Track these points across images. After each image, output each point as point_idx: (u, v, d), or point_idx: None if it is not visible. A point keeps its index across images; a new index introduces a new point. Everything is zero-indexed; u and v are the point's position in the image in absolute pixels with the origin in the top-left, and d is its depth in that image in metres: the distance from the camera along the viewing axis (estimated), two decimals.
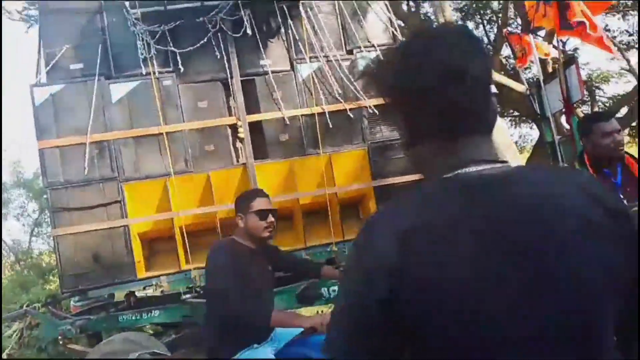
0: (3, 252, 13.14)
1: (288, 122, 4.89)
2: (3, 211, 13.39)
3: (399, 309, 0.81)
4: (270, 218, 2.82)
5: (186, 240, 4.67)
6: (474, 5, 13.21)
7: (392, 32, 5.25)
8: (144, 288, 4.99)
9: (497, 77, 8.77)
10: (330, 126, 4.96)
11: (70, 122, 4.56)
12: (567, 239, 0.82)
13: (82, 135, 4.55)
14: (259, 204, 2.82)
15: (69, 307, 5.52)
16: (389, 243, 0.82)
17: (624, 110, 10.51)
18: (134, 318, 4.81)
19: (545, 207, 0.84)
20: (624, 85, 14.78)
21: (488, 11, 13.51)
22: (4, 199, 13.53)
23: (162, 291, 4.86)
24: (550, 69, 7.28)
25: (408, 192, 0.93)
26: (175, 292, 4.82)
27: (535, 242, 0.82)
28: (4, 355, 5.19)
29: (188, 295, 4.76)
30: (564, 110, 4.33)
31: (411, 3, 12.05)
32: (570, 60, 4.14)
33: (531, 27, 4.75)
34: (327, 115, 4.96)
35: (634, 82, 12.51)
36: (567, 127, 4.82)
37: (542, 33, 6.07)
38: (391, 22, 5.24)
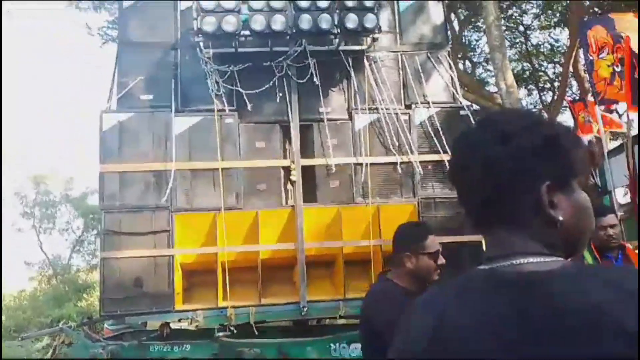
0: (43, 265, 13.50)
1: (338, 170, 4.91)
2: (49, 225, 13.88)
3: None
4: (442, 259, 2.43)
5: (227, 277, 4.66)
6: (529, 72, 13.22)
7: (453, 93, 5.27)
8: (179, 320, 4.97)
9: None
10: (382, 177, 4.94)
11: (132, 150, 4.74)
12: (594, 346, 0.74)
13: (142, 163, 4.71)
14: (432, 243, 2.39)
15: (102, 330, 5.55)
16: (424, 332, 0.86)
17: None
18: (165, 349, 4.77)
19: (581, 320, 0.76)
20: None
21: (543, 79, 13.48)
22: (51, 214, 14.04)
23: (196, 326, 4.82)
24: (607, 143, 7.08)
25: (454, 279, 0.94)
26: (209, 328, 4.77)
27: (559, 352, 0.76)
28: None
29: (221, 333, 4.70)
30: (627, 185, 4.16)
31: (467, 63, 12.17)
32: None
33: (600, 98, 4.66)
34: (378, 167, 4.95)
35: None
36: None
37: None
38: (452, 81, 5.27)
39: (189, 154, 4.81)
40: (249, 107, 4.90)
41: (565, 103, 10.88)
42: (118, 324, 5.06)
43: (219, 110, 4.86)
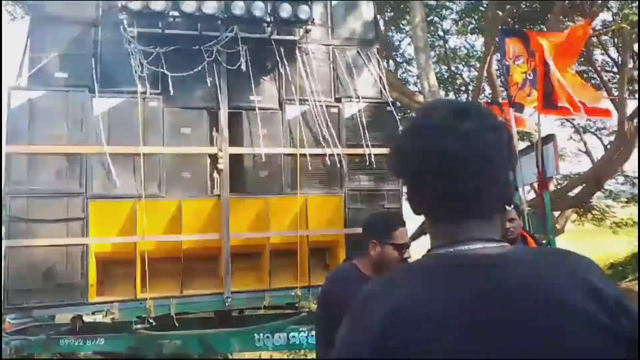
0: None
1: (267, 160, 4.88)
2: None
3: None
4: (408, 253, 2.41)
5: (146, 267, 4.47)
6: (447, 74, 13.93)
7: (380, 89, 5.43)
8: (93, 313, 4.69)
9: None
10: (310, 169, 4.98)
11: (44, 130, 4.38)
12: (556, 331, 0.79)
13: (55, 145, 4.37)
14: (401, 235, 2.36)
15: (3, 324, 5.11)
16: (378, 322, 0.83)
17: (576, 190, 11.15)
18: (76, 344, 4.51)
19: (536, 295, 0.81)
20: (578, 165, 15.76)
21: (458, 81, 14.27)
22: None
23: (112, 318, 4.58)
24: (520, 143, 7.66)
25: (403, 268, 0.98)
26: (126, 321, 4.56)
27: (522, 335, 0.79)
28: None
29: (139, 326, 4.52)
30: (536, 183, 4.53)
31: (391, 63, 12.57)
32: (549, 137, 4.39)
33: (512, 101, 5.03)
34: (308, 158, 4.99)
35: (588, 164, 13.36)
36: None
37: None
38: (380, 77, 5.43)
39: (107, 137, 4.53)
40: (175, 91, 4.71)
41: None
42: (22, 318, 4.67)
43: (142, 93, 4.63)
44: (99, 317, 4.83)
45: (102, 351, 4.78)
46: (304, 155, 4.97)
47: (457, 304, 0.82)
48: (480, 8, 11.28)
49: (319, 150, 5.02)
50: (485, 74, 10.33)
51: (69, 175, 4.38)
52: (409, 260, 2.34)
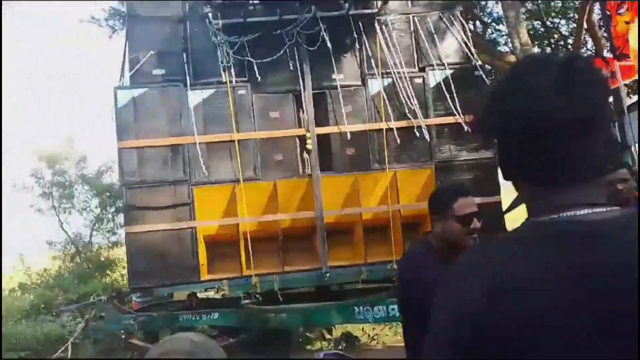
0: (65, 244, 13.77)
1: (354, 137, 4.90)
2: (67, 205, 14.05)
3: None
4: (476, 223, 2.25)
5: (249, 246, 4.75)
6: (542, 30, 12.87)
7: (466, 53, 5.19)
8: (205, 290, 5.10)
9: None
10: (398, 142, 4.93)
11: (148, 125, 4.77)
12: None
13: (159, 138, 4.75)
14: (461, 207, 2.21)
15: (130, 303, 5.71)
16: (473, 299, 0.80)
17: None
18: (193, 319, 4.92)
19: None
20: None
21: (555, 36, 13.13)
22: (69, 194, 14.20)
23: (222, 295, 4.95)
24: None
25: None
26: (235, 297, 4.90)
27: (631, 312, 0.73)
28: (70, 341, 5.43)
29: (247, 301, 4.83)
30: None
31: (478, 24, 11.89)
32: None
33: (617, 54, 4.56)
34: (395, 132, 4.94)
35: None
36: None
37: None
38: (466, 43, 5.18)
39: (204, 126, 4.83)
40: (261, 77, 4.88)
41: None
42: (145, 297, 5.20)
43: (230, 82, 4.85)
44: (211, 294, 5.25)
45: (215, 325, 5.20)
46: (391, 129, 4.92)
47: (561, 277, 0.78)
48: None
49: (405, 123, 4.94)
50: (585, 25, 9.40)
51: (174, 164, 4.74)
52: (475, 233, 2.18)
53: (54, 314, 6.72)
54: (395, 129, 4.94)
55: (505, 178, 0.96)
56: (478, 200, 4.54)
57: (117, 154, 4.78)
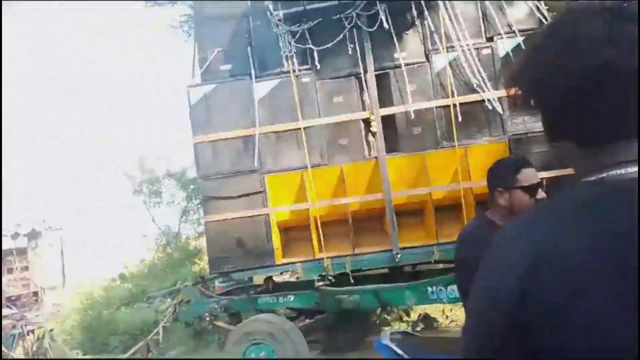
0: (157, 235, 14.85)
1: (420, 115, 4.81)
2: (157, 199, 15.07)
3: (525, 332, 0.76)
4: (541, 193, 2.24)
5: (320, 230, 4.86)
6: None
7: (539, 18, 4.87)
8: (281, 274, 5.30)
9: None
10: (467, 118, 4.77)
11: (220, 119, 5.00)
12: None
13: (231, 131, 4.96)
14: (526, 177, 2.20)
15: (214, 287, 6.07)
16: (520, 264, 0.77)
17: None
18: (271, 301, 5.14)
19: None
20: None
21: None
22: (157, 190, 15.20)
23: (297, 277, 5.12)
24: None
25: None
26: (309, 279, 5.04)
27: None
28: (161, 325, 5.89)
29: (321, 283, 4.95)
30: None
31: None
32: None
33: None
34: (462, 107, 4.78)
35: None
36: None
37: None
38: (538, 7, 4.86)
39: (271, 116, 4.97)
40: (322, 63, 4.92)
41: None
42: (227, 281, 5.50)
43: (294, 71, 4.94)
44: (286, 277, 5.44)
45: (292, 307, 5.39)
46: (459, 104, 4.77)
47: (606, 239, 0.75)
48: None
49: (473, 97, 4.76)
50: None
51: (245, 155, 4.94)
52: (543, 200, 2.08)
53: (146, 299, 7.31)
54: (461, 105, 4.78)
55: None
56: (554, 173, 4.29)
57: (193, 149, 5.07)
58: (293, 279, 5.36)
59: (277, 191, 4.98)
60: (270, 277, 5.25)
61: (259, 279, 5.87)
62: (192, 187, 14.75)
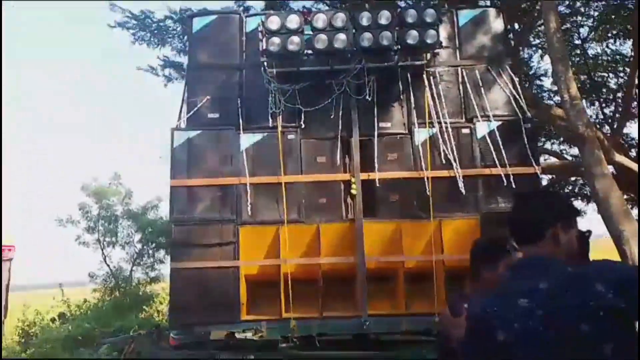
0: (107, 277, 14.12)
1: (398, 184, 4.93)
2: (112, 239, 14.49)
3: None
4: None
5: (290, 289, 4.75)
6: (588, 84, 12.73)
7: (513, 106, 5.19)
8: (243, 331, 5.09)
9: (617, 157, 8.24)
10: (443, 192, 4.91)
11: (201, 165, 4.96)
12: None
13: (210, 178, 4.92)
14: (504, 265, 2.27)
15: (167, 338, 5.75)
16: None
17: None
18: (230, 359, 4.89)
19: None
20: None
21: (604, 90, 12.94)
22: (113, 228, 14.66)
23: (260, 336, 4.92)
24: None
25: None
26: (272, 339, 4.86)
27: None
28: None
29: (284, 345, 4.78)
30: None
31: (523, 78, 11.90)
32: None
33: None
34: (439, 181, 4.93)
35: None
36: None
37: None
38: (515, 96, 5.20)
39: (253, 169, 4.98)
40: (310, 123, 5.03)
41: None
42: (182, 333, 5.23)
43: (281, 127, 5.02)
44: (249, 335, 5.22)
45: None
46: (437, 177, 4.92)
47: None
48: (627, 7, 10.21)
49: (450, 173, 4.94)
50: (637, 79, 9.28)
51: (222, 204, 4.88)
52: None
53: (99, 344, 6.84)
54: (438, 179, 4.94)
55: None
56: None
57: (169, 191, 4.97)
58: (256, 338, 5.16)
59: (250, 244, 4.90)
60: (232, 334, 5.03)
61: (217, 334, 5.62)
62: (150, 229, 14.29)
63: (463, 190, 4.88)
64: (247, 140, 5.04)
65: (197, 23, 5.54)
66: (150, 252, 14.39)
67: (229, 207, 4.87)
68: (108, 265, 14.18)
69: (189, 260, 4.82)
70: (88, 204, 14.26)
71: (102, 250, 14.21)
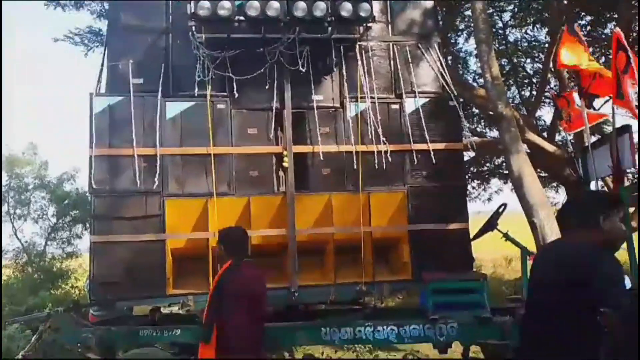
0: (18, 252, 13.15)
1: (330, 158, 4.96)
2: (23, 211, 13.49)
3: None
4: None
5: (217, 263, 4.67)
6: (507, 68, 13.45)
7: (441, 83, 5.36)
8: (170, 305, 4.96)
9: (531, 137, 8.84)
10: (372, 166, 5.01)
11: (123, 134, 4.68)
12: None
13: (133, 147, 4.66)
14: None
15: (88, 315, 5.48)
16: None
17: None
18: (155, 334, 4.75)
19: None
20: None
21: (521, 74, 13.74)
22: (25, 199, 13.65)
23: (187, 310, 4.82)
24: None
25: None
26: (196, 314, 4.77)
27: None
28: (19, 355, 5.13)
29: None
30: (610, 177, 4.32)
31: (449, 59, 12.31)
32: (624, 128, 4.19)
33: (584, 92, 4.83)
34: (368, 155, 5.02)
35: None
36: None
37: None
38: (442, 73, 5.36)
39: (180, 139, 4.78)
40: (241, 93, 4.89)
41: (545, 97, 11.22)
42: (104, 310, 5.00)
43: (211, 96, 4.84)
44: (175, 309, 5.10)
45: (177, 342, 5.03)
46: (366, 152, 5.00)
47: None
48: None
49: (380, 147, 5.04)
50: (551, 65, 9.92)
51: (147, 175, 4.65)
52: None
53: (7, 323, 6.37)
54: (367, 153, 5.02)
55: None
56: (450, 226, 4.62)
57: (88, 161, 4.65)
58: (182, 312, 5.04)
59: (177, 217, 4.73)
60: (157, 309, 4.88)
61: (140, 309, 5.44)
62: (65, 201, 13.41)
63: (388, 165, 4.99)
64: (174, 108, 4.81)
65: None
66: (66, 226, 13.56)
67: (154, 178, 4.65)
68: (19, 240, 13.22)
69: (110, 234, 4.58)
70: None
71: (12, 223, 13.19)
